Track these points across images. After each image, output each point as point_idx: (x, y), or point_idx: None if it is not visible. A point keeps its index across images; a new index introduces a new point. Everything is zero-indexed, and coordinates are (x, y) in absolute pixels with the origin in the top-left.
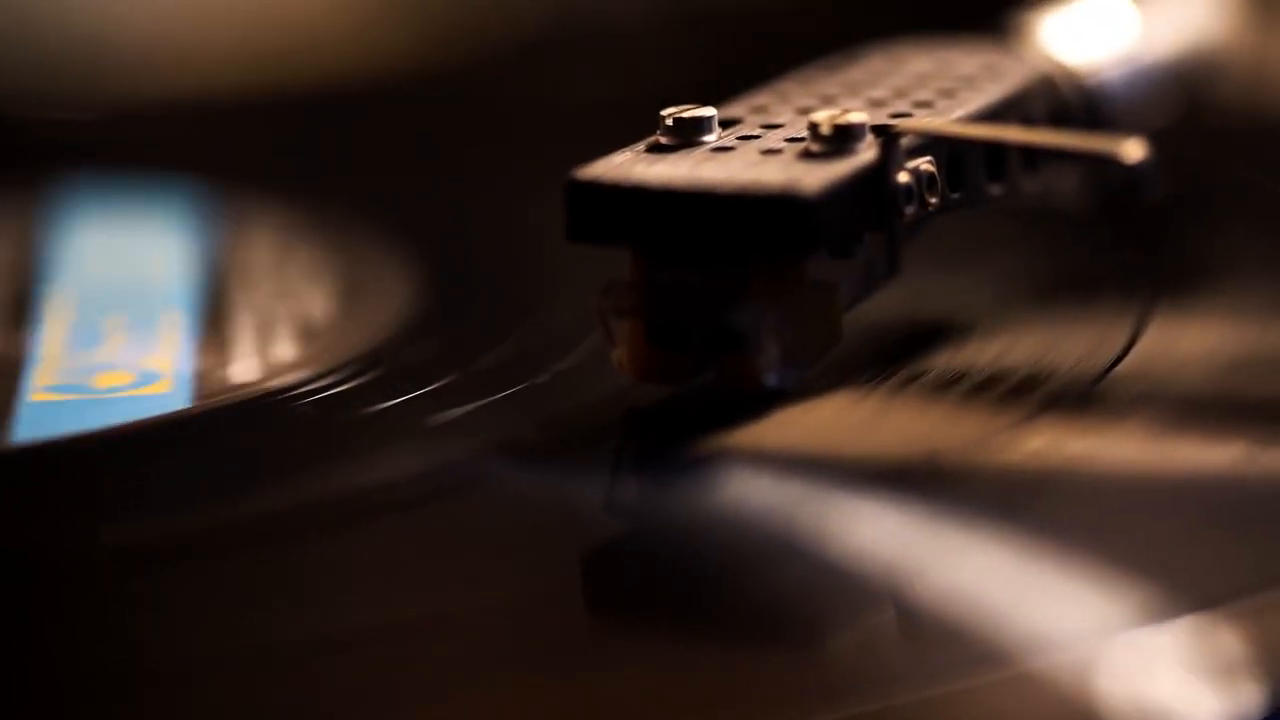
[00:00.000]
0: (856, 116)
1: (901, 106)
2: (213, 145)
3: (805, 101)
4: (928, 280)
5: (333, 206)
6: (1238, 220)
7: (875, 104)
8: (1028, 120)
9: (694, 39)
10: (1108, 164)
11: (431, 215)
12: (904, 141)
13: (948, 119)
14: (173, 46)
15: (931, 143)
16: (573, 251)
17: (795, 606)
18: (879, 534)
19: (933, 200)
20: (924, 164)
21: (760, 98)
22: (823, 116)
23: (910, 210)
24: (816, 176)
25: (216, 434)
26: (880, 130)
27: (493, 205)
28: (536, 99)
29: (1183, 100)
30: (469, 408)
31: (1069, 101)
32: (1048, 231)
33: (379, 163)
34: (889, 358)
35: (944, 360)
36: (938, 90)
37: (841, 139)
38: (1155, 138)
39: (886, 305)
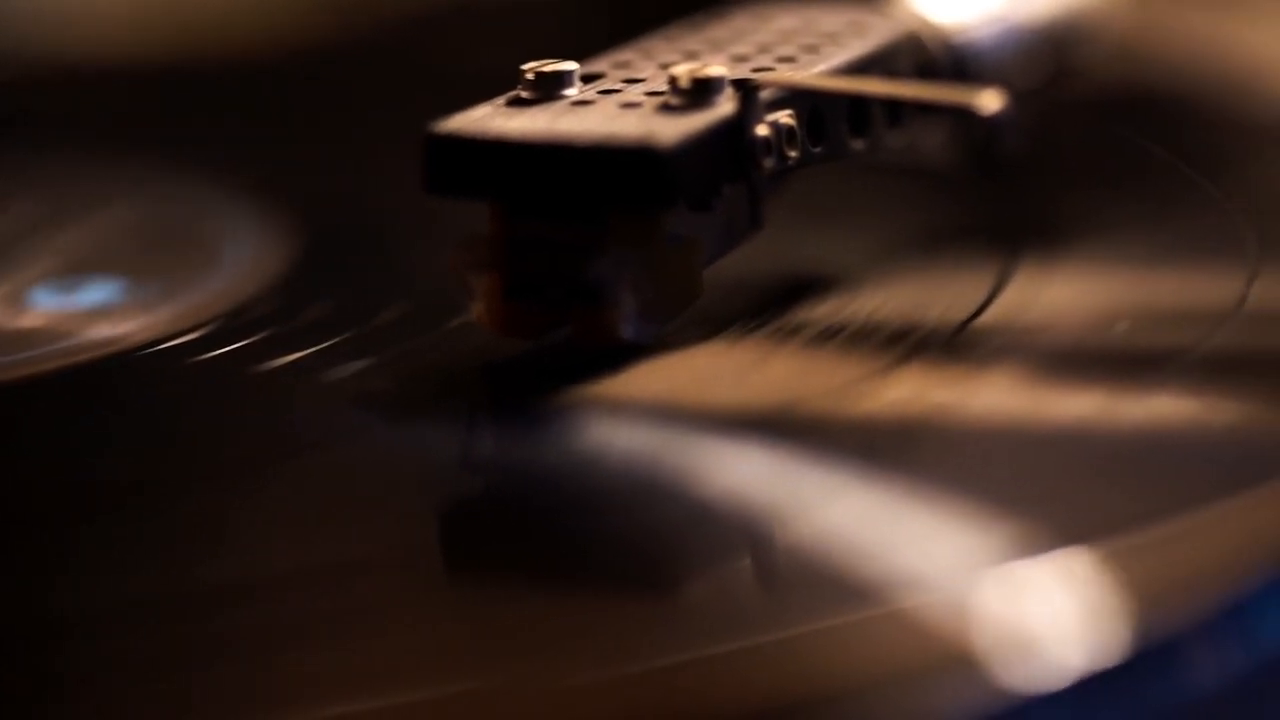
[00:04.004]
0: (715, 70)
1: (764, 62)
2: (99, 110)
3: (669, 57)
4: (795, 234)
5: (214, 172)
6: (1103, 176)
7: (738, 59)
8: (892, 77)
9: (599, 4)
10: (966, 115)
11: (315, 181)
12: (764, 95)
13: (808, 73)
14: (62, 12)
15: (792, 97)
16: (447, 210)
17: (656, 551)
18: (743, 480)
19: (792, 153)
20: (784, 117)
21: (624, 54)
22: (682, 70)
23: (769, 163)
24: (673, 129)
25: (91, 389)
26: (739, 84)
27: (376, 171)
28: (440, 67)
29: (1053, 61)
30: (337, 367)
31: (936, 59)
32: (914, 186)
33: (271, 131)
34: (756, 310)
35: (809, 312)
36: (801, 46)
37: (700, 92)
38: (1025, 96)
39: (754, 258)
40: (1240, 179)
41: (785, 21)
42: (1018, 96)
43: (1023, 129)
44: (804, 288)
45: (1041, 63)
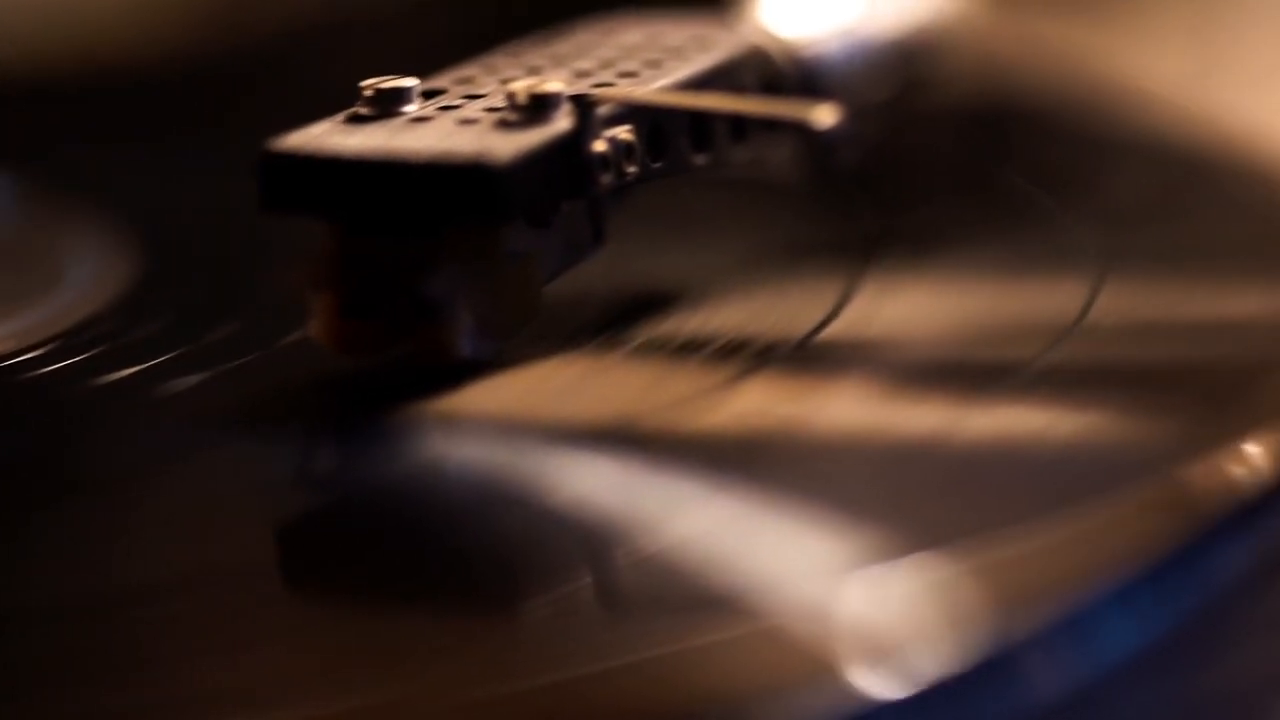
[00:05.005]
0: (552, 86)
1: (605, 77)
2: None
3: (511, 73)
4: (641, 248)
5: (52, 189)
6: (953, 189)
7: (581, 75)
8: (737, 91)
9: (465, 18)
10: (802, 130)
11: (156, 198)
12: (603, 111)
13: (647, 89)
14: None
15: (631, 112)
16: (287, 228)
17: (503, 571)
18: (590, 495)
19: (631, 169)
20: (622, 133)
21: (467, 69)
22: (519, 86)
23: (607, 179)
24: (508, 145)
25: None
26: (577, 99)
27: (219, 187)
28: (294, 82)
29: (904, 73)
30: (174, 382)
31: (783, 73)
32: (762, 199)
33: (113, 148)
34: (600, 325)
35: (654, 327)
36: (644, 61)
37: (537, 108)
38: (874, 109)
39: (600, 273)
40: (1088, 193)
41: (630, 36)
42: (867, 109)
43: (860, 143)
44: (649, 302)
45: (892, 76)
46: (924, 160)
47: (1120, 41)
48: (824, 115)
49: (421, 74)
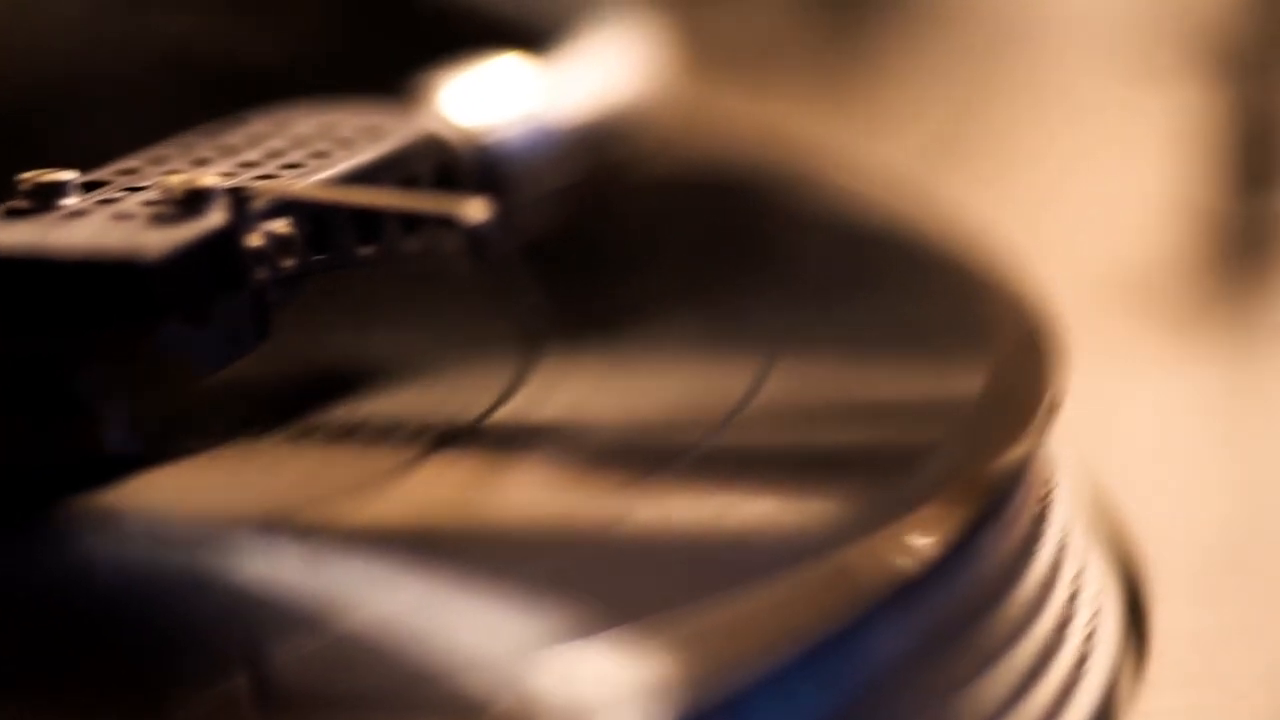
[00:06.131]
0: (208, 179)
1: (270, 169)
2: None
3: (176, 165)
4: (316, 339)
5: None
6: (641, 270)
7: (246, 166)
8: (410, 181)
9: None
10: (451, 224)
11: None
12: (260, 204)
13: (305, 182)
14: None
15: (291, 205)
16: None
17: (150, 672)
18: (249, 589)
19: (289, 262)
20: (280, 226)
21: (132, 160)
22: (175, 180)
23: (263, 273)
24: (159, 241)
25: None
26: (232, 193)
27: None
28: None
29: (594, 156)
30: None
31: (461, 162)
32: (440, 287)
33: None
34: (270, 414)
35: (328, 414)
36: (311, 153)
37: (193, 202)
38: (561, 194)
39: (272, 363)
40: (774, 271)
41: (303, 126)
42: (552, 194)
43: (519, 231)
44: (319, 391)
45: (579, 159)
46: (611, 241)
47: (813, 117)
48: (474, 210)
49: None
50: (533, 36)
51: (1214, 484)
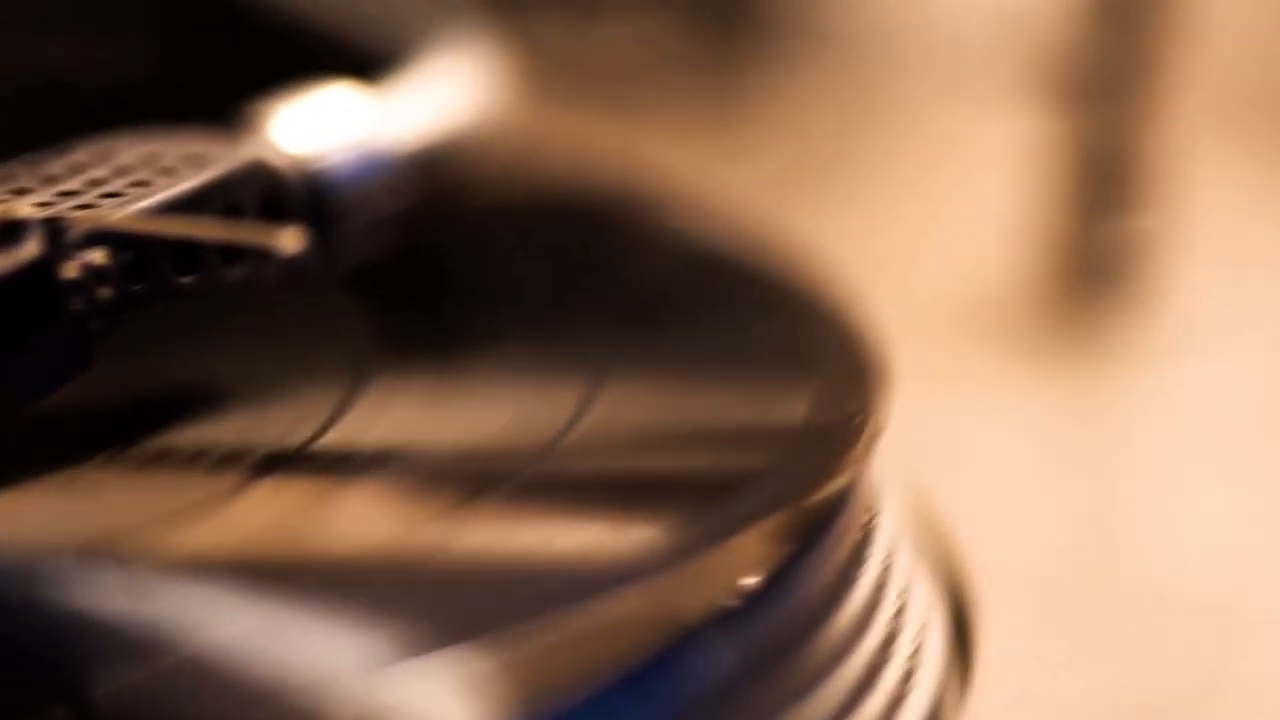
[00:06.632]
0: (24, 210)
1: (90, 199)
2: None
3: None
4: (142, 366)
5: None
6: (468, 296)
7: (66, 196)
8: (235, 209)
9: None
10: (266, 255)
11: None
12: (76, 235)
13: (122, 212)
14: None
15: (108, 235)
16: None
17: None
18: (72, 618)
19: (106, 293)
20: (97, 257)
21: None
22: None
23: (79, 303)
24: None
25: None
26: (47, 224)
27: None
28: None
29: (429, 181)
30: None
31: (289, 189)
32: (268, 313)
33: None
34: (94, 442)
35: (154, 441)
36: (132, 182)
37: (8, 233)
38: (394, 219)
39: (96, 392)
40: (609, 295)
41: (126, 155)
42: (384, 219)
43: (342, 261)
44: (146, 418)
45: (412, 184)
46: (445, 266)
47: (693, 146)
48: (288, 240)
49: None
50: (373, 61)
51: (1048, 508)
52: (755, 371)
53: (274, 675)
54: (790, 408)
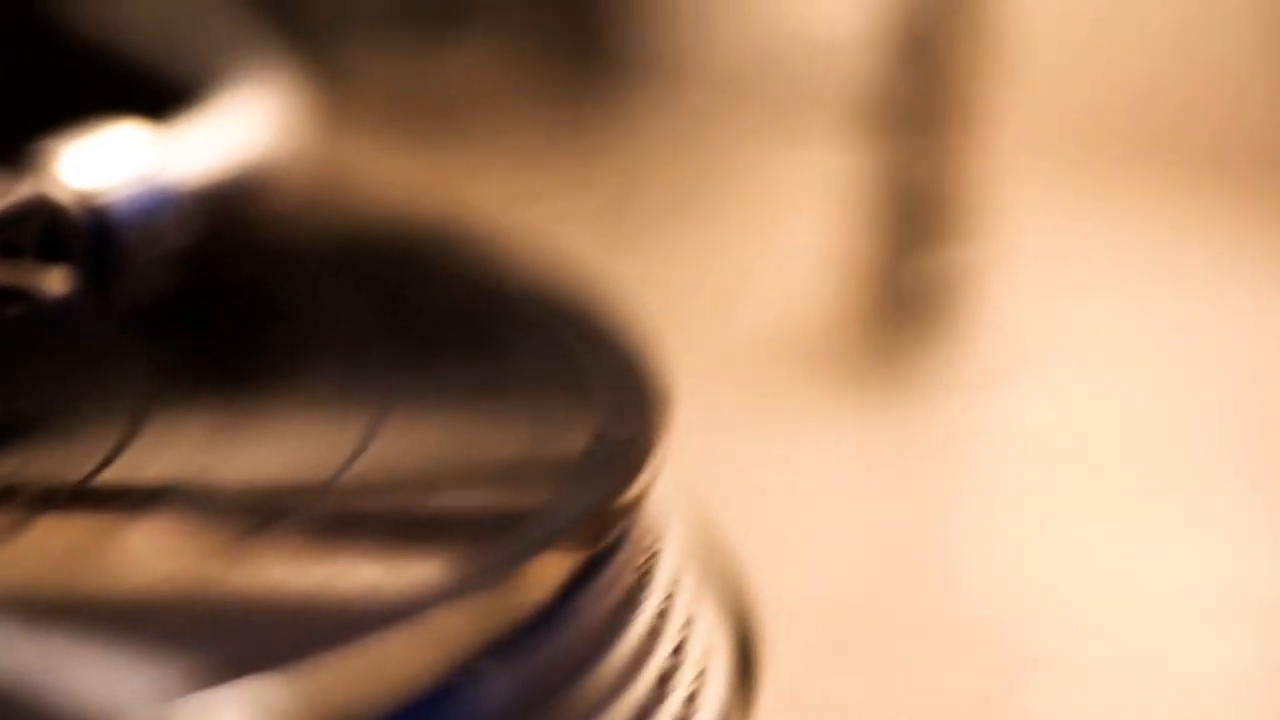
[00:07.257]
0: None
1: None
2: None
3: None
4: None
5: None
6: (255, 332)
7: None
8: (13, 248)
9: None
10: (33, 296)
11: None
12: None
13: None
14: None
15: None
16: None
17: None
18: None
19: None
20: None
21: None
22: None
23: None
24: None
25: None
26: None
27: None
28: None
29: (220, 216)
30: None
31: (71, 226)
32: (52, 348)
33: None
34: None
35: None
36: None
37: None
38: (180, 255)
39: None
40: (393, 330)
41: None
42: (169, 255)
43: (124, 297)
44: None
45: (201, 220)
46: (233, 302)
47: (517, 181)
48: (55, 281)
49: None
50: (170, 94)
51: (847, 540)
52: (538, 405)
53: (60, 711)
54: (570, 441)
